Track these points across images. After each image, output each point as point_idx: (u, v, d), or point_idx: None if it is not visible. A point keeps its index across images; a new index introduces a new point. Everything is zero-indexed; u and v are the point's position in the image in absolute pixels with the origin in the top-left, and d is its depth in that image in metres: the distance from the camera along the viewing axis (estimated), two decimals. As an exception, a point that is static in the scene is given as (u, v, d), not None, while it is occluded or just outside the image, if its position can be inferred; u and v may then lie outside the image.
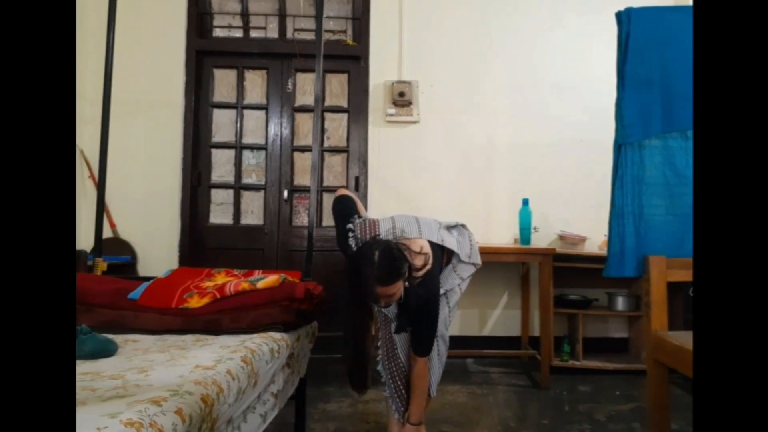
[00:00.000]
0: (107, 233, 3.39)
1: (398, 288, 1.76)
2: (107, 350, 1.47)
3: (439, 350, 2.09)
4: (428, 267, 1.85)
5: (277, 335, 1.75)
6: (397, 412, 2.02)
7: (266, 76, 3.79)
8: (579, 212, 3.57)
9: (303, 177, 3.76)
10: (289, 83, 3.75)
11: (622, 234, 1.81)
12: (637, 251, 1.80)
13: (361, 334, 1.97)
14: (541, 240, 3.53)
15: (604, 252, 2.62)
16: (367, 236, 1.92)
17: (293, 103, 3.76)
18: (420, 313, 1.90)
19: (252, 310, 1.85)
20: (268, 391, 1.60)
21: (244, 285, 1.94)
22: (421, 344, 1.96)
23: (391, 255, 1.73)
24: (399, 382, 2.03)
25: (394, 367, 2.03)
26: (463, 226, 2.20)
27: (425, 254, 1.86)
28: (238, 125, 3.76)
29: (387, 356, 2.07)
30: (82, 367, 1.30)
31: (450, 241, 2.05)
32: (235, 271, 2.19)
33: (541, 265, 3.08)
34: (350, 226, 1.97)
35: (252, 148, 3.78)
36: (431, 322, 1.94)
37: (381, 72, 3.65)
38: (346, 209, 2.06)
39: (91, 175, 3.48)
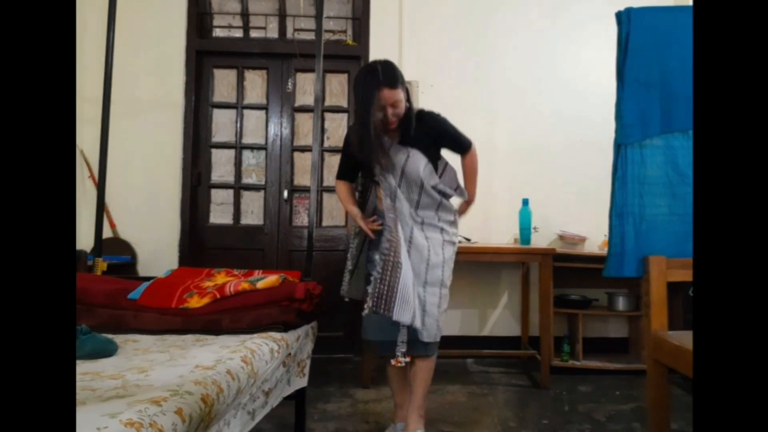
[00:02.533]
0: (107, 233, 3.39)
1: (401, 96, 1.97)
2: (107, 350, 1.47)
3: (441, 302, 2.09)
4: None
5: (277, 335, 1.75)
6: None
7: (266, 76, 3.79)
8: (579, 212, 3.57)
9: (303, 177, 3.75)
10: (289, 83, 3.75)
11: (622, 234, 1.80)
12: (637, 251, 1.79)
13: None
14: (541, 240, 3.53)
15: (604, 252, 2.62)
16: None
17: (293, 103, 3.76)
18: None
19: (252, 310, 1.85)
20: (259, 389, 1.60)
21: (244, 285, 1.94)
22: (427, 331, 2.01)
23: (391, 64, 1.99)
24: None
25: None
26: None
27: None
28: (238, 125, 3.76)
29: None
30: (82, 367, 1.30)
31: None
32: (235, 271, 2.19)
33: (541, 265, 3.08)
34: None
35: (252, 148, 3.77)
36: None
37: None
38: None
39: (91, 175, 3.48)
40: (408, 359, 1.99)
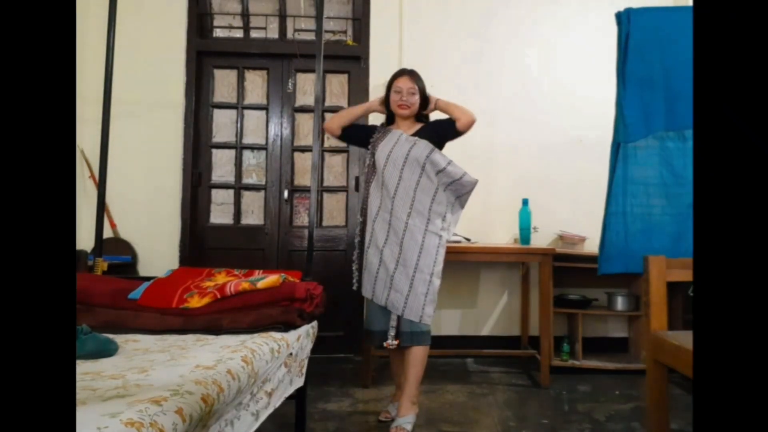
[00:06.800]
0: (107, 233, 3.39)
1: (416, 89, 2.39)
2: (108, 350, 1.47)
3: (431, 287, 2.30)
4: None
5: (278, 335, 1.75)
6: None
7: (266, 77, 3.79)
8: (579, 212, 3.56)
9: (303, 177, 3.76)
10: (290, 83, 3.75)
11: (615, 232, 1.82)
12: (627, 249, 1.81)
13: None
14: (541, 240, 3.53)
15: (603, 252, 2.63)
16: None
17: (293, 103, 3.76)
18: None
19: (252, 310, 1.86)
20: (261, 390, 1.60)
21: (245, 285, 1.94)
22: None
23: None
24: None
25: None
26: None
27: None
28: (239, 125, 3.76)
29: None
30: (83, 367, 1.30)
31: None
32: (236, 271, 2.19)
33: (541, 265, 3.08)
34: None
35: (252, 148, 3.78)
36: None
37: (381, 72, 3.63)
38: None
39: (92, 175, 3.48)
40: (396, 343, 2.25)
